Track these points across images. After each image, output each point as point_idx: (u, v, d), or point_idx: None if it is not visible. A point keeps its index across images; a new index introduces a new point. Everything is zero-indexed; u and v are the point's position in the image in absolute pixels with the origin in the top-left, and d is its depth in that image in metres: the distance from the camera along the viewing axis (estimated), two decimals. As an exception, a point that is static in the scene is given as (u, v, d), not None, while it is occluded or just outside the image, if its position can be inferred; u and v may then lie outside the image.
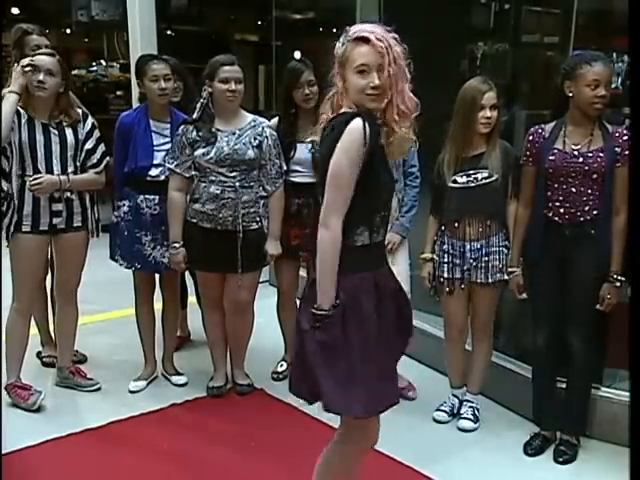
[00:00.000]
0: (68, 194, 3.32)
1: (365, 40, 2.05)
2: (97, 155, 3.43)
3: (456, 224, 3.20)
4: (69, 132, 3.33)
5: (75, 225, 3.39)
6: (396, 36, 2.09)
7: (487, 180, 3.13)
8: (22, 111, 3.25)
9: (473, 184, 3.14)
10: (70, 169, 3.33)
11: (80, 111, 3.42)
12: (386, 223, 2.21)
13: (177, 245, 3.37)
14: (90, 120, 3.44)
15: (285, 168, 3.43)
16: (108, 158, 3.49)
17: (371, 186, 2.08)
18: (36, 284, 3.47)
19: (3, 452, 2.83)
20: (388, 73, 2.04)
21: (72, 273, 3.51)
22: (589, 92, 2.84)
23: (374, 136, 2.05)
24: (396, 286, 2.27)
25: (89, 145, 3.40)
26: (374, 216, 2.14)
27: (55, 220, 3.32)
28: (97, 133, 3.45)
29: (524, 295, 3.16)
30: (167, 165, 3.36)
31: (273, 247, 3.42)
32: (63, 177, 3.28)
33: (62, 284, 3.54)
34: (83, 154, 3.39)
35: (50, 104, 3.29)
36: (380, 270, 2.21)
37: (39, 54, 3.28)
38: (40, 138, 3.26)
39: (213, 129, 3.30)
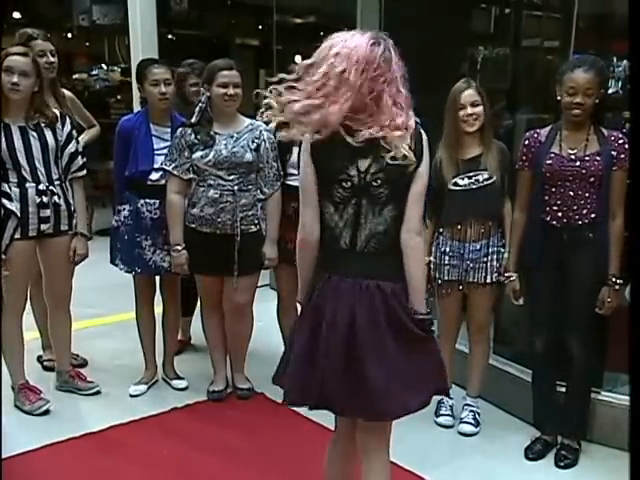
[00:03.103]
0: (56, 199, 3.29)
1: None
2: (80, 158, 3.41)
3: (458, 226, 3.20)
4: (48, 134, 3.28)
5: (62, 229, 3.37)
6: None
7: (488, 182, 3.14)
8: None
9: (475, 186, 3.16)
10: (54, 172, 3.29)
11: (58, 112, 3.38)
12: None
13: (179, 248, 3.37)
14: (69, 121, 3.40)
15: (282, 171, 3.43)
16: (84, 173, 3.47)
17: None
18: (26, 287, 3.44)
19: (3, 456, 2.82)
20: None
21: (60, 277, 3.47)
22: (566, 98, 2.88)
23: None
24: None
25: (72, 148, 3.37)
26: None
27: (43, 226, 3.29)
28: (75, 144, 3.40)
29: (520, 301, 3.16)
30: (165, 167, 3.36)
31: (270, 250, 3.44)
32: (83, 233, 3.41)
33: (51, 289, 3.50)
34: (66, 158, 3.36)
35: (25, 105, 3.23)
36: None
37: (12, 54, 3.18)
38: (19, 143, 3.20)
39: (211, 132, 3.31)
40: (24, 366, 3.50)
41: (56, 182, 3.31)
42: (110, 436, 3.25)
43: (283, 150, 3.42)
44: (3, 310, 3.34)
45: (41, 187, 3.25)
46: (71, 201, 3.39)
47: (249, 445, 3.18)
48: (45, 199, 3.25)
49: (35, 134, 3.25)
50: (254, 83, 8.25)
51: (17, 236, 3.23)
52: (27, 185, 3.23)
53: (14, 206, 3.20)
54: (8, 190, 3.21)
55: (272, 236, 3.43)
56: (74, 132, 3.42)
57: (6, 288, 3.30)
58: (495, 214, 3.20)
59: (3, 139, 3.17)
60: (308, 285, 2.20)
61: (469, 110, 3.11)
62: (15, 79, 3.14)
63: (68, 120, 3.40)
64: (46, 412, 3.41)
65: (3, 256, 3.20)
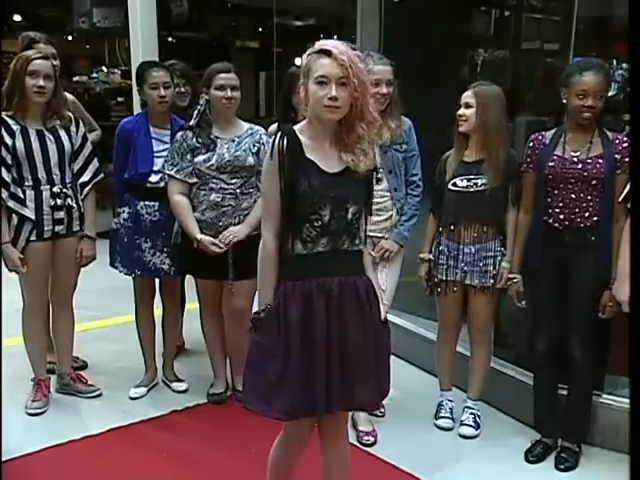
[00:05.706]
0: (69, 201, 3.33)
1: (327, 53, 2.09)
2: (96, 160, 3.44)
3: (452, 227, 3.20)
4: (64, 137, 3.32)
5: (74, 230, 3.40)
6: (359, 54, 2.15)
7: (486, 187, 3.13)
8: (11, 121, 3.22)
9: (472, 189, 3.15)
10: (68, 175, 3.33)
11: (72, 115, 3.42)
12: (330, 233, 2.17)
13: (198, 237, 3.27)
14: (82, 124, 3.45)
15: None
16: (102, 175, 3.49)
17: (291, 197, 2.14)
18: (44, 288, 3.47)
19: (3, 459, 2.83)
20: (354, 86, 2.08)
21: (70, 277, 3.52)
22: (577, 101, 2.87)
23: (291, 149, 2.12)
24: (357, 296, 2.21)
25: (87, 150, 3.41)
26: (302, 226, 2.16)
27: (57, 227, 3.33)
28: (90, 146, 3.44)
29: (523, 303, 3.16)
30: (166, 172, 3.33)
31: (240, 229, 3.29)
32: (89, 235, 3.43)
33: (60, 288, 3.52)
34: (82, 160, 3.39)
35: (43, 107, 3.27)
36: (322, 279, 2.18)
37: (35, 58, 3.22)
38: (36, 146, 3.24)
39: (212, 135, 3.31)
40: (45, 364, 3.58)
41: (69, 184, 3.35)
42: (110, 438, 3.25)
43: None
44: (23, 311, 3.44)
45: (55, 189, 3.29)
46: (80, 202, 3.42)
47: (249, 447, 3.18)
48: (59, 201, 3.29)
49: (52, 137, 3.29)
50: (254, 85, 8.28)
51: (33, 239, 3.28)
52: (42, 187, 3.27)
53: (27, 211, 3.24)
54: (22, 194, 3.24)
55: (250, 221, 3.28)
56: (87, 134, 3.47)
57: (24, 289, 3.39)
58: (491, 219, 3.17)
59: (20, 142, 3.21)
60: None
61: (460, 111, 3.14)
62: (42, 82, 3.19)
63: (82, 123, 3.45)
64: (37, 414, 3.42)
65: (20, 255, 3.25)
